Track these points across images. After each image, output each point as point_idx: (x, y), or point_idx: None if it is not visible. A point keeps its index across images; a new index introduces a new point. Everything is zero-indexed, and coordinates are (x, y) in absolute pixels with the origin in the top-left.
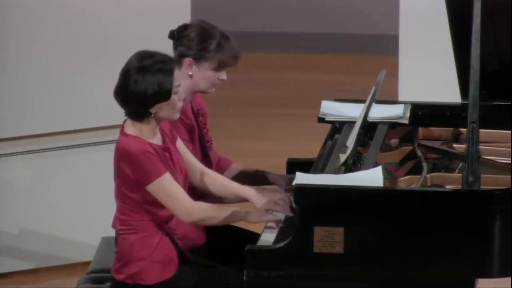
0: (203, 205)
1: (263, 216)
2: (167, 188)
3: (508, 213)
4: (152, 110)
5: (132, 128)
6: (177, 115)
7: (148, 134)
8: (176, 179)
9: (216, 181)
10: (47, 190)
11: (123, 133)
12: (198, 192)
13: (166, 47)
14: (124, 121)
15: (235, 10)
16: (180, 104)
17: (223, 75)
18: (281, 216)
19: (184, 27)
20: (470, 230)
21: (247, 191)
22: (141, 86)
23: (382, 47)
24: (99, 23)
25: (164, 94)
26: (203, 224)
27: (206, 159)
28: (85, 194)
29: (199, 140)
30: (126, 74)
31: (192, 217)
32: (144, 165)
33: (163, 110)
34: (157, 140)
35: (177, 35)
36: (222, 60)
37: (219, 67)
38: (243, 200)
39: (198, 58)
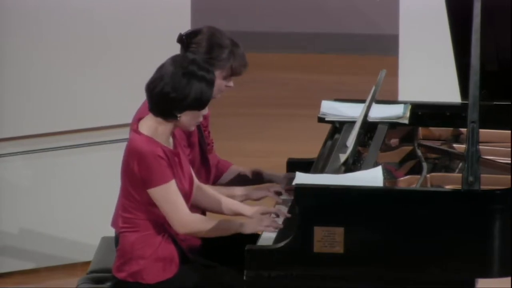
0: (199, 217)
1: (257, 227)
2: (169, 197)
3: (508, 213)
4: (179, 115)
5: (147, 128)
6: (193, 128)
7: (162, 135)
8: (182, 184)
9: (211, 197)
10: (47, 190)
11: (137, 131)
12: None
13: (166, 47)
14: (138, 120)
15: (235, 10)
16: (201, 119)
17: (230, 82)
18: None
19: (194, 33)
20: (470, 230)
21: (243, 208)
22: (185, 90)
23: (382, 47)
24: (99, 23)
25: (203, 103)
26: (197, 236)
27: (204, 163)
28: (85, 194)
29: (199, 144)
30: (166, 74)
31: (186, 229)
32: (152, 168)
33: (187, 117)
34: (168, 144)
35: (186, 40)
36: (234, 68)
37: (230, 75)
38: (238, 214)
39: (210, 66)
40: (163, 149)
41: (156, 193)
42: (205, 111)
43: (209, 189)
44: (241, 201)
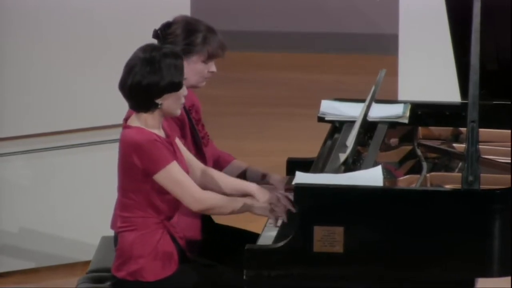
0: (211, 193)
1: (267, 213)
2: (176, 176)
3: (508, 212)
4: (159, 101)
5: (136, 122)
6: (179, 111)
7: (153, 127)
8: None
9: (217, 178)
10: (47, 190)
11: (127, 127)
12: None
13: None
14: (126, 119)
15: (235, 10)
16: (183, 100)
17: (212, 67)
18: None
19: (167, 25)
20: (470, 229)
21: (250, 186)
22: (155, 75)
23: (382, 47)
24: (99, 23)
25: (175, 85)
26: (211, 213)
27: (199, 154)
28: (85, 194)
29: (191, 136)
30: (133, 66)
31: (201, 205)
32: (152, 153)
33: (168, 102)
34: (160, 133)
35: (162, 34)
36: (211, 51)
37: (208, 59)
38: (245, 195)
39: (187, 53)
40: (157, 135)
41: (162, 177)
42: (185, 92)
43: (214, 171)
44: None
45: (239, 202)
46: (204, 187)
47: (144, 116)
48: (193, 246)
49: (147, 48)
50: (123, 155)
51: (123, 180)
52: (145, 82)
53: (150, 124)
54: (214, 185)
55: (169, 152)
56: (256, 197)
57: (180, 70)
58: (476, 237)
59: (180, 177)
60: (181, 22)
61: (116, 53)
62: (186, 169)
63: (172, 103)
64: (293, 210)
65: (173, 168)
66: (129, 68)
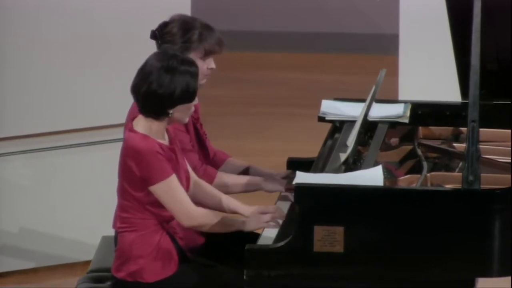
0: (204, 211)
1: (258, 224)
2: (172, 191)
3: (508, 212)
4: (171, 111)
5: (142, 126)
6: (187, 119)
7: (157, 133)
8: (180, 179)
9: (210, 193)
10: (47, 190)
11: (131, 130)
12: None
13: None
14: (132, 119)
15: (235, 10)
16: (193, 109)
17: (211, 64)
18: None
19: (164, 25)
20: (470, 229)
21: (241, 207)
22: (170, 86)
23: (382, 47)
24: (99, 23)
25: (191, 96)
26: (201, 229)
27: (203, 150)
28: (85, 194)
29: (194, 131)
30: (149, 73)
31: (193, 222)
32: (152, 165)
33: (180, 111)
34: (164, 140)
35: (159, 34)
36: (208, 47)
37: (205, 55)
38: (235, 213)
39: (184, 51)
40: (160, 145)
41: (158, 189)
42: (195, 101)
43: (208, 186)
44: (248, 190)
45: (230, 221)
46: (195, 198)
47: (151, 121)
48: (193, 246)
49: (163, 57)
50: (124, 159)
51: (122, 181)
52: (160, 91)
53: (154, 129)
54: (205, 200)
55: (170, 163)
56: (245, 216)
57: (195, 81)
58: (476, 237)
59: (176, 193)
60: (177, 21)
61: (116, 53)
62: (187, 175)
63: (183, 113)
64: (279, 222)
65: (171, 182)
66: (145, 75)
